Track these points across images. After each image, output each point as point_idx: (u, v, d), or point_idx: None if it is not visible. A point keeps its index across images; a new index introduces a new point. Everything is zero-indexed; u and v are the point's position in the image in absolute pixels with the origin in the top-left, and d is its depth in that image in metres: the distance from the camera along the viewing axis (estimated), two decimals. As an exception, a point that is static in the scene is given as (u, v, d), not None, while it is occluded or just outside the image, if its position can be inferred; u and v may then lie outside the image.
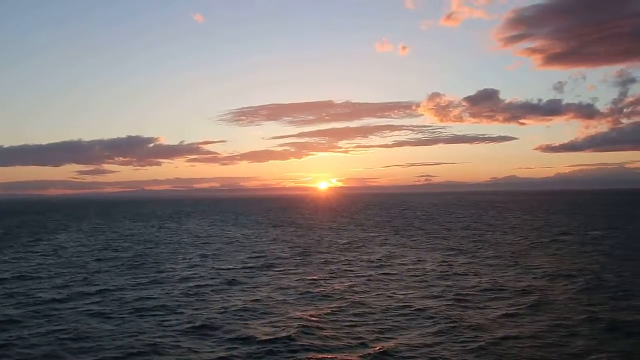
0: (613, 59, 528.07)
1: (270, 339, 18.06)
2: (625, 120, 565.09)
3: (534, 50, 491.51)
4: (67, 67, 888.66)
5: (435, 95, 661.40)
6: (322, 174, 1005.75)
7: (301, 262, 36.82)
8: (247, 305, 23.07)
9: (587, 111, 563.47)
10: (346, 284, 27.91)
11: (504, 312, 21.42)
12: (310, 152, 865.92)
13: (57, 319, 21.21)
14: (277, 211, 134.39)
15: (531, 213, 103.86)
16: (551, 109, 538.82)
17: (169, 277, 31.16)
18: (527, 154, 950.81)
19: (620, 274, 29.82)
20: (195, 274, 32.23)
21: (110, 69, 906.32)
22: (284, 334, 18.57)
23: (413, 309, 22.25)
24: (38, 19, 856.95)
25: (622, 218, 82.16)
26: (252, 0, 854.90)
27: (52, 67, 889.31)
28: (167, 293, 26.17)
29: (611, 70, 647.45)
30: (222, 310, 22.24)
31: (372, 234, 58.92)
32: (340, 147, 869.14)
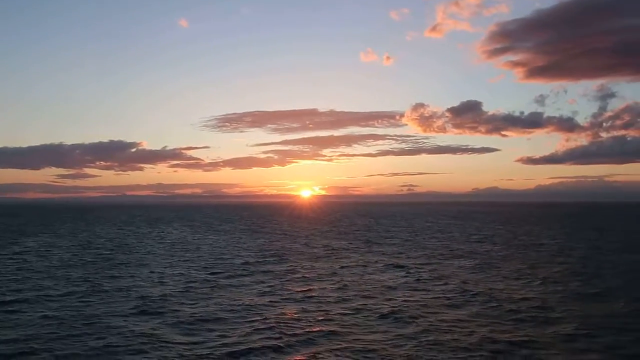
0: (594, 74, 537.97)
1: (221, 344, 18.22)
2: (604, 134, 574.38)
3: (516, 64, 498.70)
4: (49, 74, 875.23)
5: (419, 106, 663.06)
6: (305, 182, 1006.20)
7: (270, 269, 36.95)
8: (204, 311, 23.18)
9: (567, 124, 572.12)
10: (308, 290, 28.12)
11: (466, 311, 21.88)
12: (294, 160, 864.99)
13: (8, 323, 21.09)
14: (258, 218, 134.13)
15: (507, 224, 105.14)
16: (533, 122, 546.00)
17: (130, 283, 31.06)
18: (509, 165, 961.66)
19: (567, 283, 30.54)
20: (158, 279, 32.18)
21: (93, 75, 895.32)
22: (234, 340, 18.74)
23: (372, 311, 22.60)
24: (29, 34, 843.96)
25: (591, 231, 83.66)
26: (237, 7, 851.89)
27: (35, 73, 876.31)
28: (122, 300, 26.10)
29: (591, 84, 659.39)
30: (174, 317, 22.20)
31: (346, 242, 59.22)
32: (324, 156, 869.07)
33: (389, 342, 18.29)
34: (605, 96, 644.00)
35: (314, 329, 19.81)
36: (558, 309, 23.35)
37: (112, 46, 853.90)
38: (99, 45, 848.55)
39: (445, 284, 30.05)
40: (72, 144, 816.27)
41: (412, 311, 22.89)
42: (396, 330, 19.81)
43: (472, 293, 26.99)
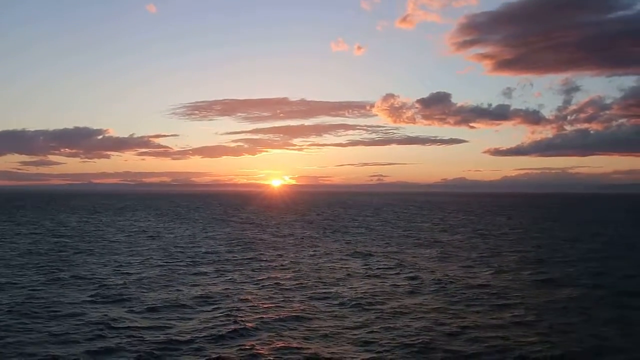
0: (559, 68, 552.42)
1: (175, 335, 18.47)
2: (568, 127, 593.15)
3: (485, 56, 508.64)
4: (8, 56, 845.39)
5: (389, 96, 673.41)
6: (275, 171, 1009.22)
7: (233, 257, 37.19)
8: (163, 298, 23.35)
9: (533, 117, 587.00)
10: (268, 278, 28.53)
11: (421, 298, 22.63)
12: (264, 149, 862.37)
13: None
14: (227, 208, 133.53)
15: (472, 214, 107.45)
16: (500, 114, 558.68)
17: (90, 271, 30.88)
18: (477, 156, 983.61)
19: (519, 270, 31.76)
20: (119, 268, 32.07)
21: (56, 58, 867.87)
22: (188, 327, 19.01)
23: (330, 298, 23.16)
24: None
25: (550, 221, 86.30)
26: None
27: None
28: (80, 288, 26.01)
29: (557, 78, 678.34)
30: (132, 304, 22.22)
31: (313, 231, 59.75)
32: (295, 145, 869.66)
33: (343, 327, 18.83)
34: (570, 90, 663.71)
35: (270, 316, 20.19)
36: (508, 295, 24.34)
37: (78, 29, 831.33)
38: (65, 28, 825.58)
39: (405, 271, 30.84)
40: (36, 130, 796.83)
41: (370, 298, 23.49)
42: (351, 317, 20.35)
43: (429, 280, 27.83)
